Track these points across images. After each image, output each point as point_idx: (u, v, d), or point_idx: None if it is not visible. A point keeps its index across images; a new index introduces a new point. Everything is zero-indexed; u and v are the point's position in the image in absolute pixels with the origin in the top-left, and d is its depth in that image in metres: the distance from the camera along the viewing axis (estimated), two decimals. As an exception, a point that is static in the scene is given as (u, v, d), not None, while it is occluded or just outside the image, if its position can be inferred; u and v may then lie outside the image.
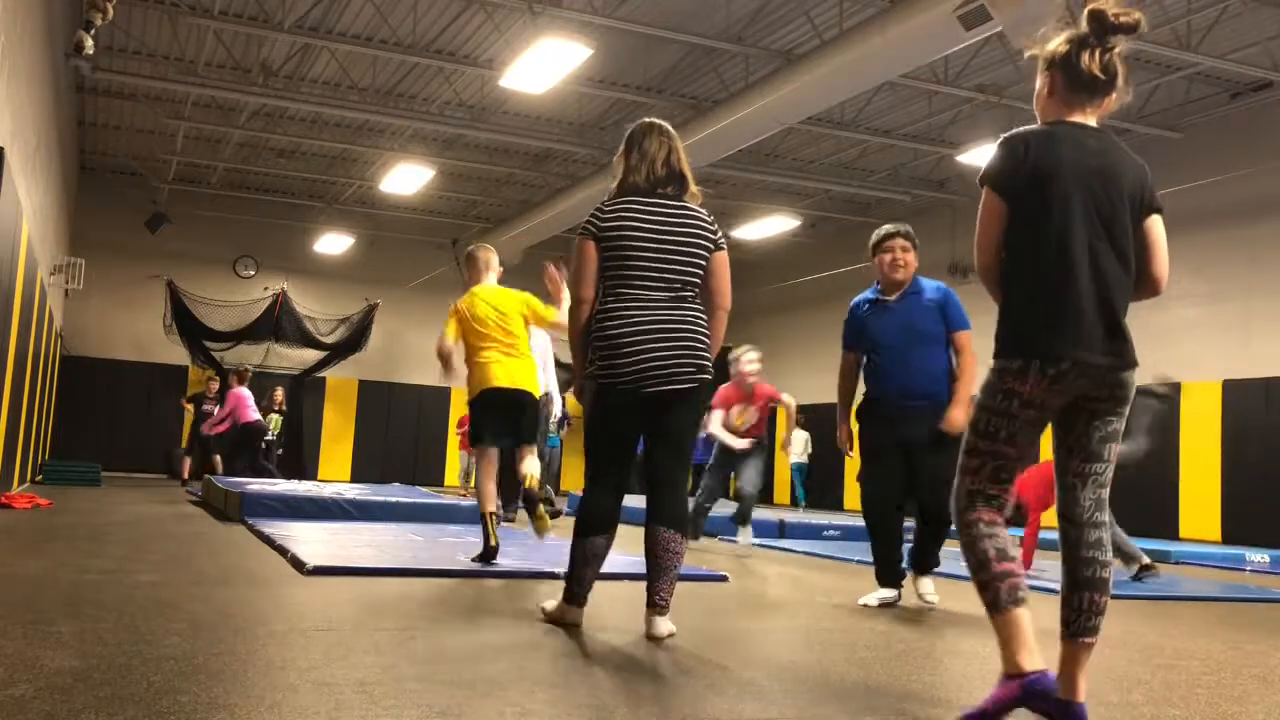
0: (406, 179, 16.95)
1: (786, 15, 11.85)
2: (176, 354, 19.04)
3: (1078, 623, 2.65)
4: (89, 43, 9.12)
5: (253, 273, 20.01)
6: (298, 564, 5.19)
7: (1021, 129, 2.81)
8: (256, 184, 19.34)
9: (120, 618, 3.50)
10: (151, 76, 13.62)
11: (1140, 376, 2.74)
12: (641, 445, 3.85)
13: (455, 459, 21.45)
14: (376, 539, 6.78)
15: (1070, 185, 2.64)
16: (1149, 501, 13.96)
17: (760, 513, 12.59)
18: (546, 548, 6.81)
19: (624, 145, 3.87)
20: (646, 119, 3.93)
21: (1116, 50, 2.71)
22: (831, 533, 10.13)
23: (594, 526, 3.74)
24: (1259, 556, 9.75)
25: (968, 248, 17.87)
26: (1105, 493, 2.72)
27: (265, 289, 19.84)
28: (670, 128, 3.88)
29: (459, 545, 6.62)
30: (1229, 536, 12.99)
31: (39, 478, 13.75)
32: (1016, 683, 2.50)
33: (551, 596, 4.64)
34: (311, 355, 20.20)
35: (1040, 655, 2.53)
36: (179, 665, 2.77)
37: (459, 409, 21.57)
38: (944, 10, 9.31)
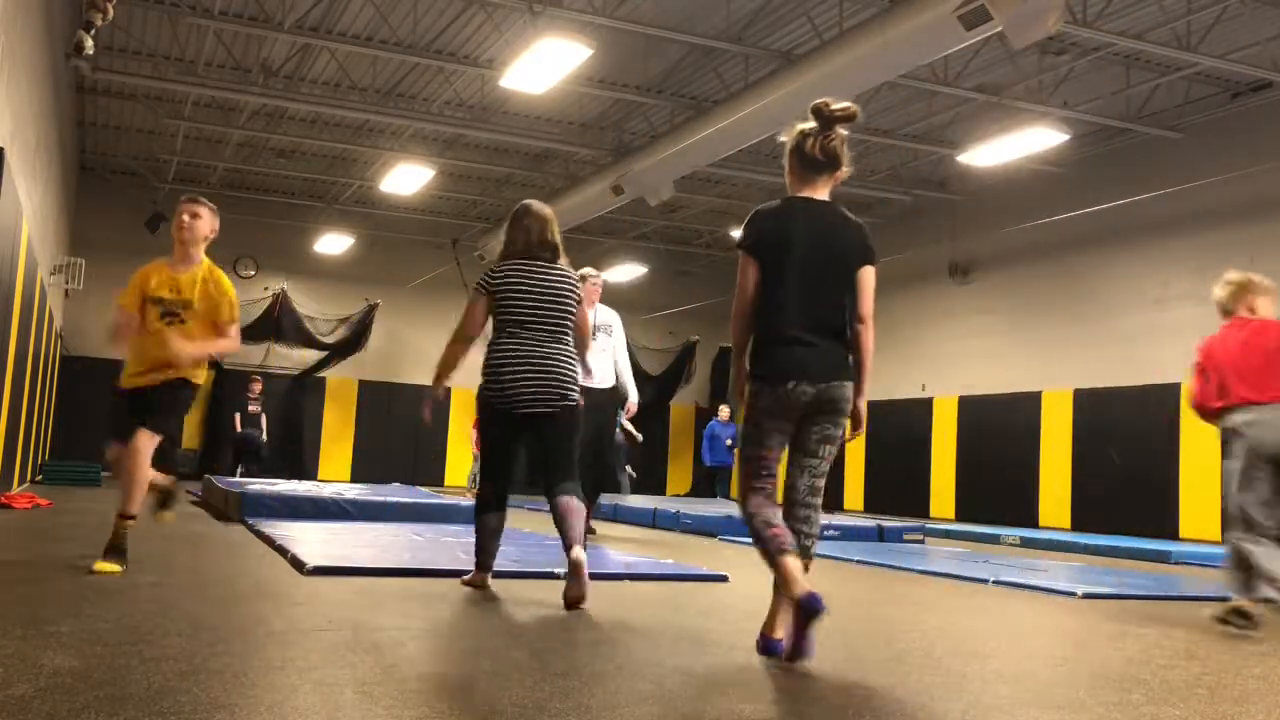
0: (406, 179, 16.95)
1: (786, 15, 11.85)
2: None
3: (775, 544, 3.37)
4: (89, 43, 9.11)
5: (253, 273, 20.01)
6: (298, 564, 5.19)
7: (762, 206, 3.57)
8: (256, 184, 19.34)
9: (120, 618, 3.50)
10: (151, 76, 13.61)
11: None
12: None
13: (457, 459, 21.46)
14: (376, 539, 6.78)
15: (797, 249, 3.43)
16: (1149, 501, 13.97)
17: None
18: (547, 549, 6.80)
19: (508, 220, 4.90)
20: (525, 202, 4.94)
21: (838, 137, 3.49)
22: (831, 533, 10.13)
23: (486, 507, 4.74)
24: (1259, 556, 9.73)
25: (968, 248, 17.95)
26: (820, 482, 3.51)
27: (265, 289, 19.84)
28: (545, 209, 4.90)
29: (459, 545, 6.62)
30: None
31: (39, 478, 13.75)
32: (799, 600, 3.27)
33: (552, 595, 4.64)
34: (311, 355, 20.20)
35: (805, 584, 3.31)
36: (179, 665, 2.77)
37: (461, 409, 21.58)
38: (944, 10, 9.31)
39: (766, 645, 3.42)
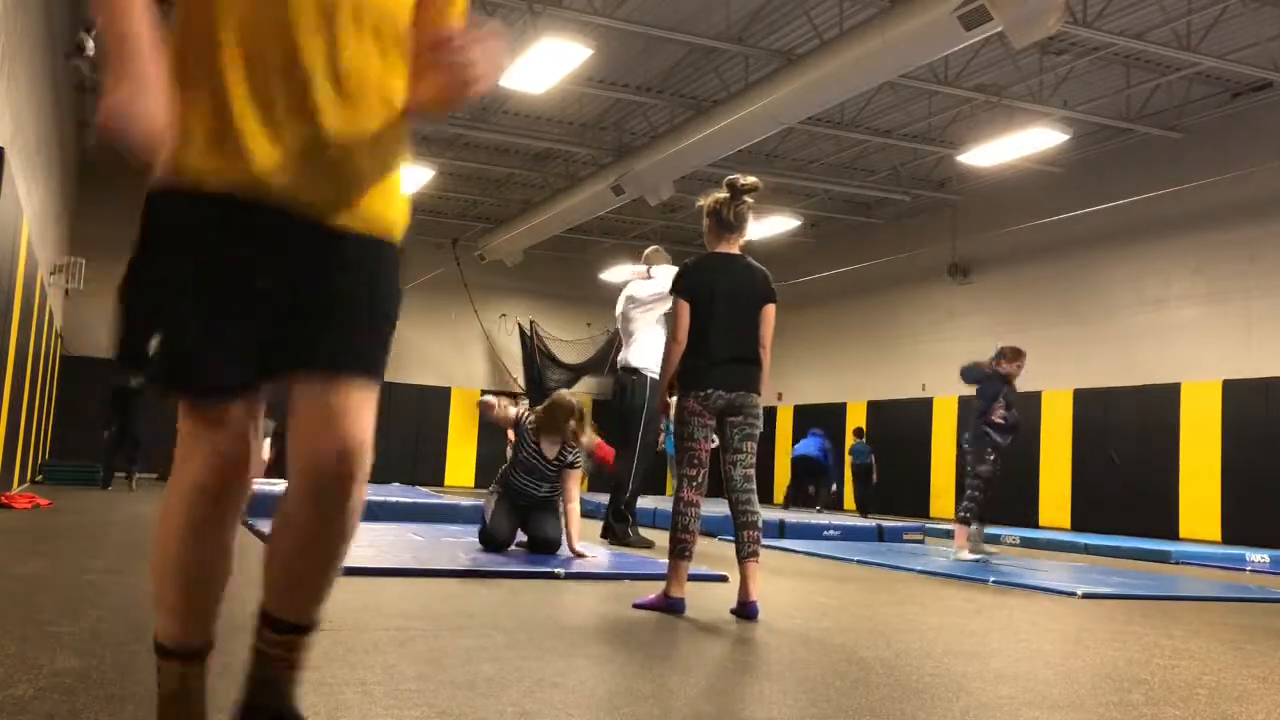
0: (406, 179, 16.94)
1: (786, 15, 11.85)
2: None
3: (744, 550, 4.39)
4: (89, 43, 9.12)
5: (253, 273, 20.02)
6: (298, 564, 5.18)
7: (689, 260, 4.54)
8: (256, 184, 19.33)
9: (120, 618, 3.50)
10: (151, 76, 13.61)
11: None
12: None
13: (457, 458, 21.44)
14: (376, 539, 6.78)
15: (717, 293, 4.40)
16: (1149, 502, 13.97)
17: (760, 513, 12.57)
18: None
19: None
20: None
21: (746, 204, 4.48)
22: (831, 533, 10.13)
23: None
24: (1259, 556, 9.75)
25: (968, 248, 17.94)
26: (750, 471, 4.47)
27: (265, 289, 19.85)
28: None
29: (459, 545, 6.63)
30: (1229, 536, 12.99)
31: (39, 478, 13.75)
32: (667, 600, 4.33)
33: (552, 596, 4.64)
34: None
35: (684, 588, 4.37)
36: (179, 665, 2.77)
37: (460, 408, 21.58)
38: (944, 10, 9.31)
39: (669, 604, 4.32)
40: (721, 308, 4.39)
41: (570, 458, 6.33)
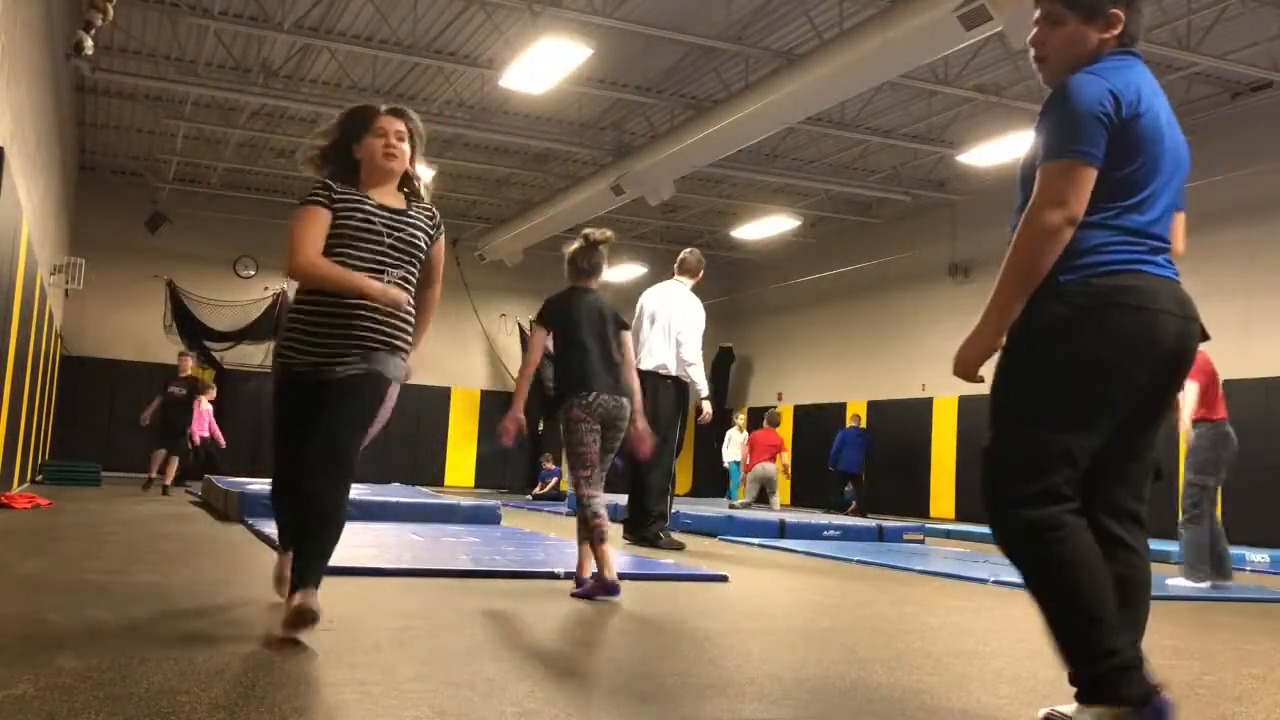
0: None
1: (786, 15, 11.85)
2: (177, 354, 19.03)
3: (596, 536, 4.72)
4: (89, 43, 9.11)
5: (253, 273, 20.00)
6: (298, 564, 5.18)
7: (553, 295, 5.12)
8: (256, 184, 19.33)
9: (120, 618, 3.50)
10: (151, 76, 13.61)
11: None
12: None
13: (456, 459, 21.43)
14: (376, 539, 6.78)
15: (581, 317, 5.00)
16: (1149, 502, 13.95)
17: (760, 513, 12.58)
18: (547, 548, 6.81)
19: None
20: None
21: (600, 254, 5.15)
22: (831, 533, 10.13)
23: None
24: (1259, 556, 9.74)
25: (968, 248, 17.91)
26: (603, 477, 4.91)
27: (265, 289, 19.83)
28: None
29: (459, 545, 6.63)
30: (1229, 537, 12.96)
31: (39, 478, 13.75)
32: (607, 584, 4.64)
33: (552, 596, 4.64)
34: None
35: (587, 570, 4.76)
36: (179, 665, 2.77)
37: (460, 408, 21.57)
38: (944, 10, 9.31)
39: (599, 584, 4.64)
40: (586, 329, 5.00)
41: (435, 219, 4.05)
